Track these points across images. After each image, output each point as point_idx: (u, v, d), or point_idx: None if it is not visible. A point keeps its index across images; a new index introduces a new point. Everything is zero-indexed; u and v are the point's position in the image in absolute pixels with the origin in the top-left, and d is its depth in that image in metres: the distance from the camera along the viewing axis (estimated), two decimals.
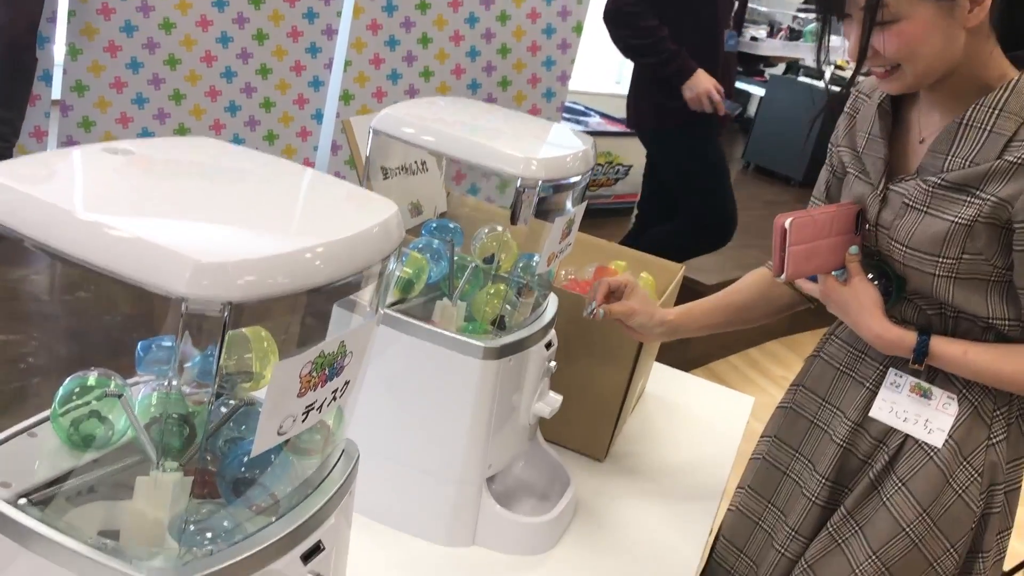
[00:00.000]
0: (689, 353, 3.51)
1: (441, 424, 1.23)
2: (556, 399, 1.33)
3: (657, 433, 1.68)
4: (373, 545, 1.24)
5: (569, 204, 1.27)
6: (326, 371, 0.74)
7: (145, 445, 0.80)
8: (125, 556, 0.71)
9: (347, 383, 0.79)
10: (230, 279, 0.61)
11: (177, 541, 0.75)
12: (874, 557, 1.16)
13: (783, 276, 1.17)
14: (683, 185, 3.19)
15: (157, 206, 0.71)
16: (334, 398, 0.78)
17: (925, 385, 1.18)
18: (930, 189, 1.11)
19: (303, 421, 0.74)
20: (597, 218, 4.37)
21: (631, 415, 1.70)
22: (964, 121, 1.09)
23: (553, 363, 1.31)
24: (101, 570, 0.70)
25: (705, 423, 1.76)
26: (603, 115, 5.02)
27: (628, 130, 3.53)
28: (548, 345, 1.29)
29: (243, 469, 0.81)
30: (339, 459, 0.88)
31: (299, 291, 0.66)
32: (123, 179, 0.74)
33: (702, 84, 2.92)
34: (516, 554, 1.27)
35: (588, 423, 1.52)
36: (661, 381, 1.86)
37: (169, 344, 0.86)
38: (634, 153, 4.46)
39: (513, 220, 1.15)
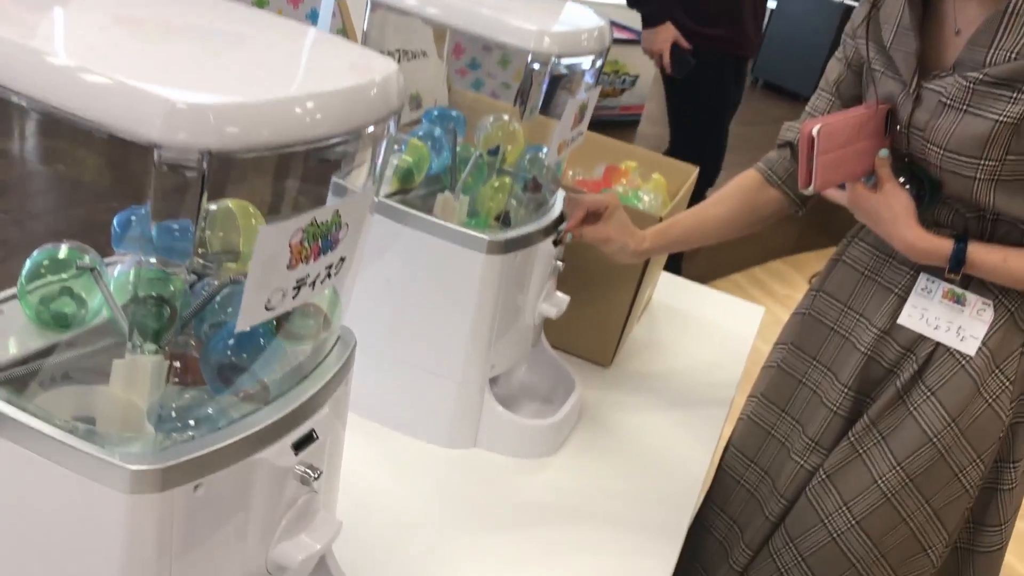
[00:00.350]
0: (692, 270, 3.44)
1: (443, 322, 1.16)
2: (563, 299, 1.26)
3: (664, 341, 1.62)
4: (371, 446, 1.18)
5: (582, 90, 1.19)
6: (319, 242, 0.67)
7: (121, 325, 0.74)
8: (100, 441, 0.65)
9: (342, 260, 0.72)
10: (208, 125, 0.54)
11: (154, 427, 0.69)
12: (898, 468, 1.11)
13: (811, 187, 1.09)
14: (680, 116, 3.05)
15: (138, 54, 0.62)
16: (328, 275, 0.71)
17: (959, 291, 1.11)
18: (970, 86, 1.02)
19: (294, 297, 0.67)
20: (603, 130, 4.25)
21: (638, 323, 1.64)
22: (1010, 9, 0.99)
23: (560, 262, 1.24)
24: (74, 455, 0.64)
25: (714, 332, 1.70)
26: (612, 23, 4.86)
27: (635, 38, 3.40)
28: (556, 243, 1.22)
29: (229, 353, 0.75)
30: (334, 346, 0.81)
31: (286, 145, 0.59)
32: (105, 30, 0.66)
33: (657, 42, 2.77)
34: (518, 457, 1.22)
35: (594, 329, 1.46)
36: (669, 290, 1.79)
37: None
38: (641, 63, 4.32)
39: (522, 102, 1.07)
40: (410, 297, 1.17)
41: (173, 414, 0.72)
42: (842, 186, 1.17)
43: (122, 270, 0.79)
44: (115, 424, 0.70)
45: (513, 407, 1.25)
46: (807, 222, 2.71)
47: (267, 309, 0.65)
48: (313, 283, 0.69)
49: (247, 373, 0.75)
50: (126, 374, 0.71)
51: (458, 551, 1.05)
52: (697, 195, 1.59)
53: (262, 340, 0.76)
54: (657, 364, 1.54)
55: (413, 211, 1.13)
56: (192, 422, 0.72)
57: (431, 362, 1.18)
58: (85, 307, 0.78)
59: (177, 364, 0.74)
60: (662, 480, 1.26)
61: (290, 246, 0.64)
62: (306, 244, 0.65)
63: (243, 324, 0.64)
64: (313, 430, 0.74)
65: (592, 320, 1.44)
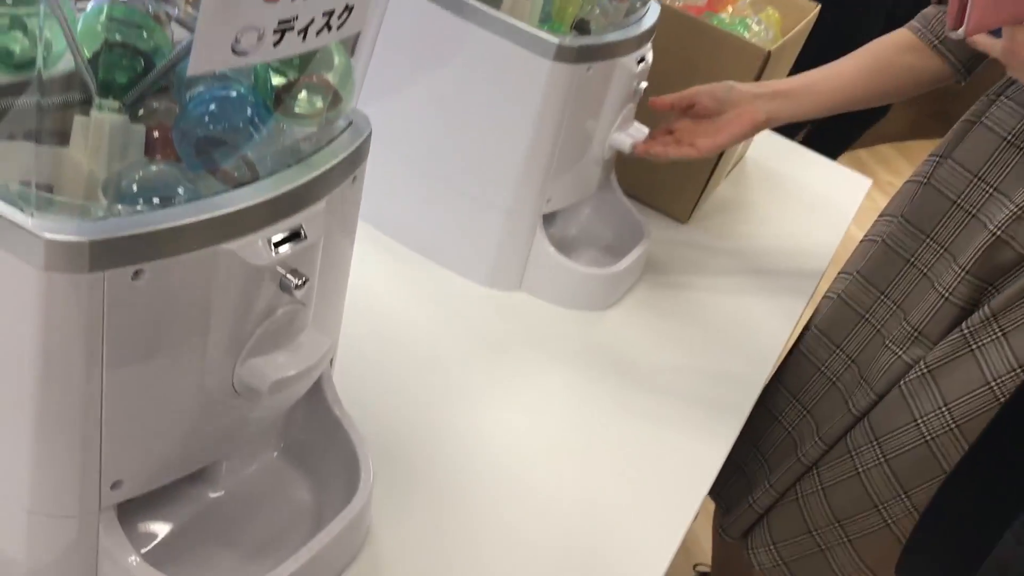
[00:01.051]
0: None
1: (496, 139, 0.99)
2: (641, 131, 1.08)
3: (752, 202, 1.43)
4: (401, 273, 1.05)
5: None
6: None
7: (84, 75, 0.59)
8: (22, 205, 0.51)
9: (349, 9, 0.55)
10: None
11: (107, 200, 0.56)
12: (1018, 371, 0.92)
13: (962, 30, 0.87)
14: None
15: None
16: (328, 26, 0.54)
17: None
18: None
19: (276, 44, 0.51)
20: None
21: (725, 178, 1.44)
22: None
23: (644, 84, 1.05)
24: None
25: (810, 199, 1.49)
26: None
27: None
28: (640, 60, 1.03)
29: (207, 120, 0.60)
30: (343, 131, 0.65)
31: None
32: None
33: None
34: (566, 307, 1.07)
35: (674, 178, 1.28)
36: (765, 148, 1.58)
37: None
38: None
39: None
40: (462, 107, 1.00)
41: (134, 188, 0.58)
42: (996, 33, 0.95)
43: (93, 6, 0.64)
44: (70, 193, 0.57)
45: (568, 251, 1.09)
46: (922, 107, 2.42)
47: (235, 53, 0.49)
48: (304, 30, 0.53)
49: (227, 148, 0.61)
50: (83, 134, 0.58)
51: (481, 397, 0.92)
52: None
53: (250, 111, 0.61)
54: (741, 226, 1.36)
55: (477, 2, 0.95)
56: (153, 197, 0.58)
57: (478, 186, 1.02)
58: (48, 49, 0.64)
59: (155, 133, 0.60)
60: (728, 354, 1.10)
61: None
62: None
63: (196, 66, 0.48)
64: (302, 227, 0.59)
65: (672, 167, 1.25)
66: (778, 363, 1.17)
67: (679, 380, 1.03)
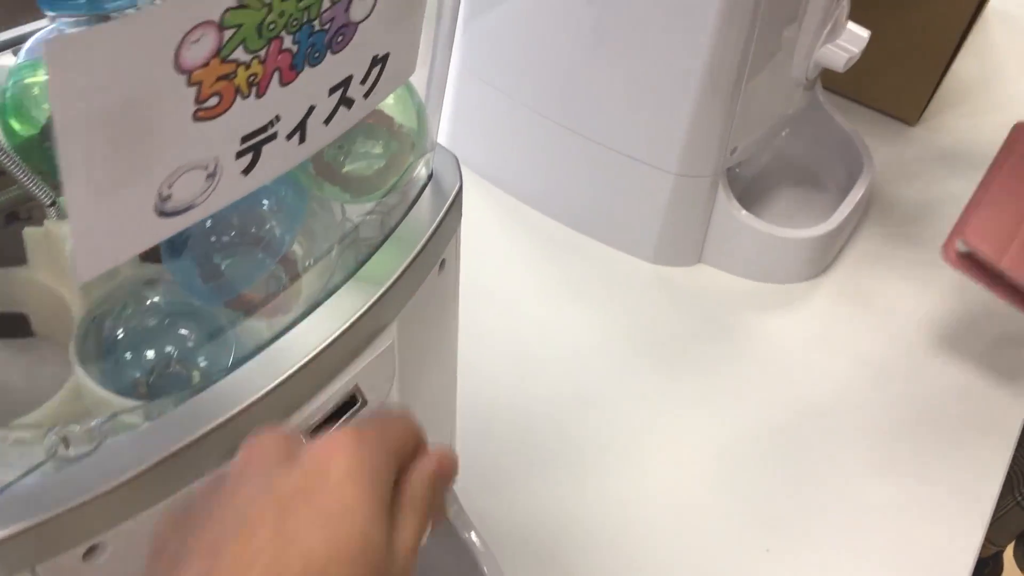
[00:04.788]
0: None
1: (658, 76, 0.73)
2: (859, 36, 0.78)
3: (1004, 75, 1.09)
4: (550, 257, 0.83)
5: None
6: (293, 35, 0.27)
7: (17, 175, 0.39)
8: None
9: (381, 62, 0.32)
10: None
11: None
12: None
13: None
14: None
15: None
16: (340, 104, 0.31)
17: None
18: None
19: (248, 171, 0.29)
20: None
21: (963, 49, 1.10)
22: None
23: None
24: None
25: None
26: None
27: None
28: None
29: (210, 230, 0.39)
30: (421, 191, 0.43)
31: None
32: None
33: None
34: (763, 280, 0.82)
35: (897, 65, 0.96)
36: None
37: None
38: None
39: None
40: (608, 37, 0.74)
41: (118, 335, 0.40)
42: None
43: (32, 53, 0.43)
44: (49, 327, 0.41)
45: (760, 198, 0.83)
46: None
47: (164, 216, 0.28)
48: (300, 128, 0.30)
49: (246, 262, 0.40)
50: (42, 249, 0.40)
51: (645, 401, 0.71)
52: None
53: (272, 199, 0.40)
54: (995, 114, 1.02)
55: None
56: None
57: (638, 143, 0.77)
58: None
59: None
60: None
61: (179, 64, 0.24)
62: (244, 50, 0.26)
63: (85, 272, 0.27)
64: (357, 388, 0.39)
65: (894, 51, 0.94)
66: None
67: (943, 373, 0.77)
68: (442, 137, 0.89)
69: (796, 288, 0.82)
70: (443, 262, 0.44)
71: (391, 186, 0.43)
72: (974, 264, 0.67)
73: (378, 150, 0.44)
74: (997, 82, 1.07)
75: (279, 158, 0.30)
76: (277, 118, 0.29)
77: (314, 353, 0.37)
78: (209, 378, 0.36)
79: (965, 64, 1.07)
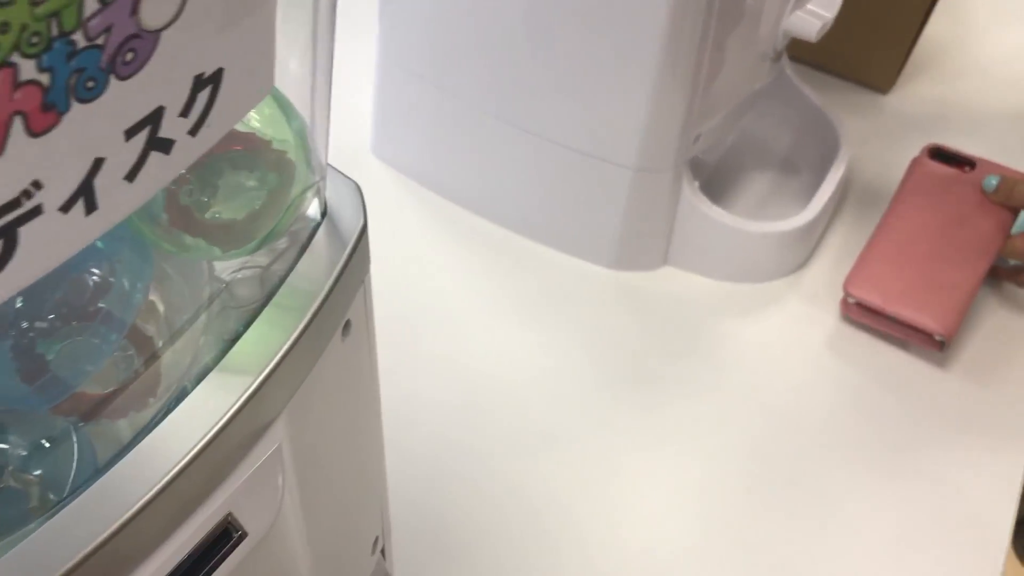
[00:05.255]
0: None
1: (608, 56, 0.64)
2: (830, 2, 0.68)
3: (980, 37, 1.00)
4: (504, 269, 0.73)
5: None
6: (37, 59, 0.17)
7: None
8: None
9: (210, 82, 0.22)
10: None
11: None
12: None
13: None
14: None
15: None
16: (153, 144, 0.22)
17: None
18: None
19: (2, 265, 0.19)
20: None
21: (940, 8, 1.02)
22: None
23: None
24: None
25: None
26: None
27: None
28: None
29: (19, 313, 0.29)
30: (312, 235, 0.33)
31: None
32: None
33: None
34: (735, 281, 0.74)
35: (869, 31, 0.88)
36: None
37: None
38: None
39: None
40: (548, 14, 0.64)
41: None
42: None
43: None
44: None
45: (728, 187, 0.74)
46: None
47: None
48: (85, 195, 0.20)
49: (69, 362, 0.30)
50: None
51: (611, 434, 0.62)
52: None
53: (103, 268, 0.30)
54: (972, 77, 0.94)
55: None
56: None
57: (589, 136, 0.67)
58: None
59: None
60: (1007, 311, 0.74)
61: None
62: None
63: None
64: (230, 517, 0.29)
65: (863, 13, 0.85)
66: None
67: (918, 384, 0.69)
68: (368, 140, 0.78)
69: (773, 287, 0.74)
70: (347, 324, 0.34)
71: (271, 231, 0.33)
72: (867, 311, 0.69)
73: (252, 183, 0.34)
74: (973, 41, 0.99)
75: (55, 239, 0.20)
76: (36, 185, 0.19)
77: (168, 475, 0.27)
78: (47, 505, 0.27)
79: (939, 24, 0.98)
